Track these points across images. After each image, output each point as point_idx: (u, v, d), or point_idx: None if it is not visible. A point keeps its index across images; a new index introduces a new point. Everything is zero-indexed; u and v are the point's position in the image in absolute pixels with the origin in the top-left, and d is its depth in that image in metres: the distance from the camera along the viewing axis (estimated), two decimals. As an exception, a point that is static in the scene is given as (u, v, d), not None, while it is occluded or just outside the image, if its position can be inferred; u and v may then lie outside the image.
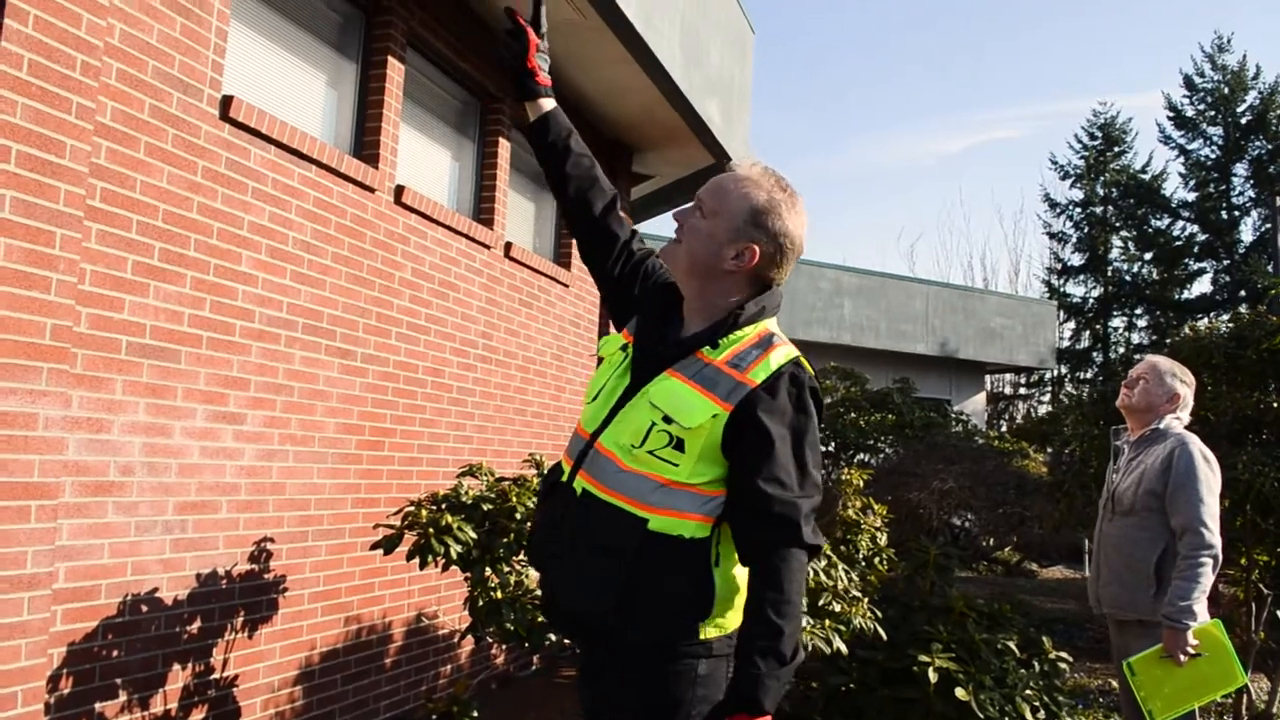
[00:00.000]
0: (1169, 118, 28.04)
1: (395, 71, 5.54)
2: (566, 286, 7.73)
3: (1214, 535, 3.77)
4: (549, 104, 2.57)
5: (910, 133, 56.56)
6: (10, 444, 3.29)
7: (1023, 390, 28.37)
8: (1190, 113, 27.82)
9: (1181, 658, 3.69)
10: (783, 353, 2.16)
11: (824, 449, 13.17)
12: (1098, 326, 28.57)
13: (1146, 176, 28.45)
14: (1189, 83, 27.97)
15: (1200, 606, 3.72)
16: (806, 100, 58.77)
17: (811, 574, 4.54)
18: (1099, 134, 29.54)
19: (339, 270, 5.07)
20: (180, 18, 4.13)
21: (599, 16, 6.22)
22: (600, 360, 2.41)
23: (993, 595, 10.58)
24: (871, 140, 57.43)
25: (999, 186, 54.83)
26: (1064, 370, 27.97)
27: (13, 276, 3.31)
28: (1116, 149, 29.27)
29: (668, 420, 2.10)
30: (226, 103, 4.33)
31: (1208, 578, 3.73)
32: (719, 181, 2.25)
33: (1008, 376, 27.46)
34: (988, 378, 23.09)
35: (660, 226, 46.99)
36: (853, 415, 13.13)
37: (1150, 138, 57.53)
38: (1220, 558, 3.78)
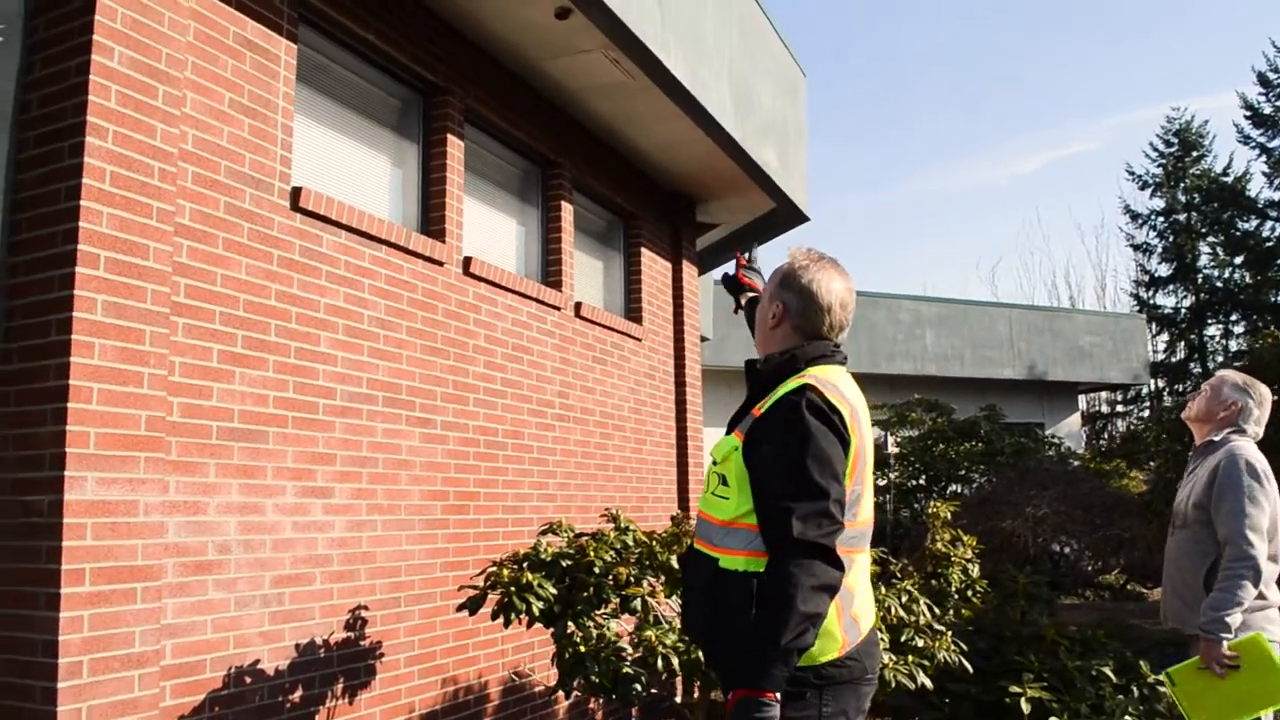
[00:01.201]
0: (1246, 116, 27.39)
1: (455, 148, 5.77)
2: (639, 340, 7.86)
3: (1255, 547, 3.67)
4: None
5: (985, 157, 56.00)
6: (115, 531, 3.50)
7: (1120, 407, 27.65)
8: (1268, 109, 27.13)
9: (1218, 669, 3.61)
10: (791, 383, 2.38)
11: (915, 482, 13.04)
12: (1192, 337, 27.78)
13: (1229, 179, 27.74)
14: (1263, 79, 27.31)
15: (1235, 618, 3.63)
16: (879, 132, 58.67)
17: (892, 609, 4.54)
18: (1175, 140, 28.94)
19: (414, 343, 5.27)
20: (248, 119, 4.39)
21: (646, 77, 6.39)
22: None
23: (1098, 621, 10.31)
24: (947, 168, 56.99)
25: (1077, 202, 53.86)
26: (1161, 384, 27.21)
27: (109, 374, 3.54)
28: (1195, 153, 28.63)
29: (715, 463, 2.46)
30: (296, 194, 4.57)
31: (1247, 590, 3.63)
32: (771, 273, 2.67)
33: (1103, 394, 26.80)
34: (1081, 398, 22.59)
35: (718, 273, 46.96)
36: (941, 446, 13.00)
37: (1229, 139, 55.98)
38: (1261, 570, 3.67)
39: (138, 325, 3.67)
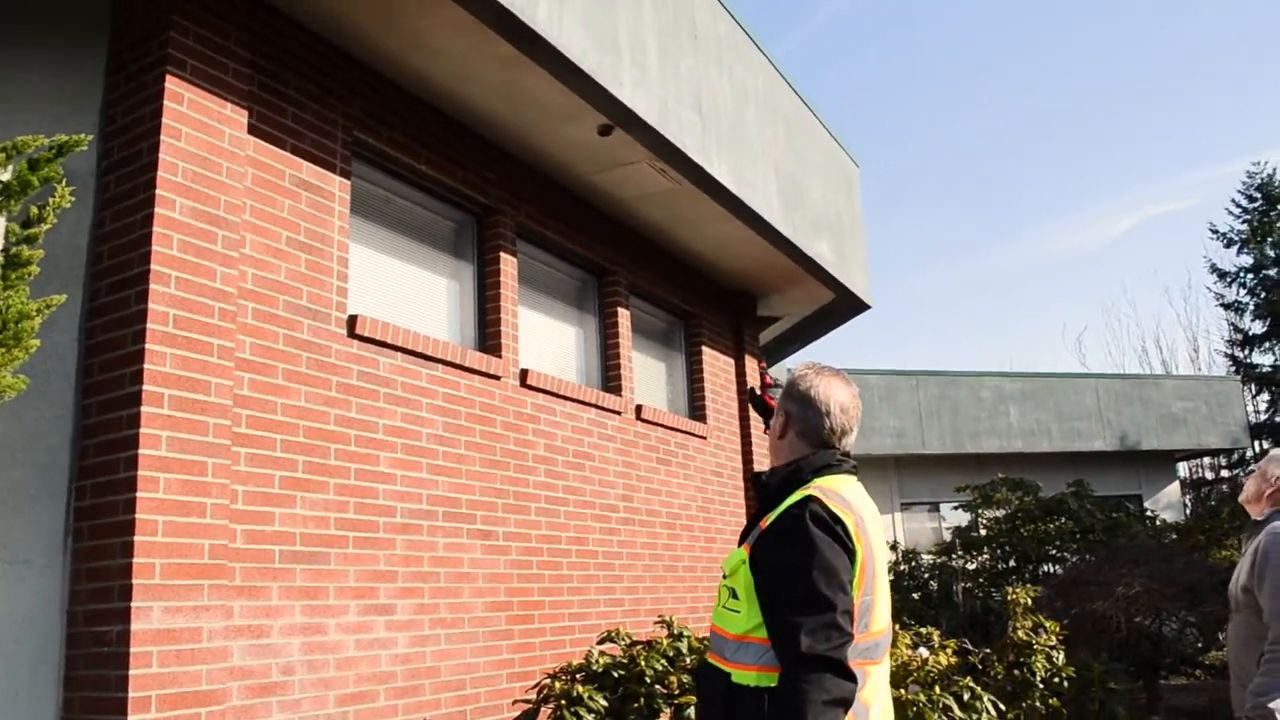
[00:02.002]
0: (1332, 168, 26.61)
1: (508, 265, 5.98)
2: (704, 439, 7.92)
3: None
4: None
5: (1067, 225, 55.29)
6: (179, 657, 3.65)
7: (1224, 473, 26.59)
8: (1355, 160, 26.36)
9: None
10: (796, 495, 2.42)
11: (1003, 565, 12.71)
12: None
13: (1319, 231, 26.91)
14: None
15: (1278, 704, 3.47)
16: (961, 205, 58.45)
17: (954, 705, 4.45)
18: (1258, 194, 28.23)
19: (473, 457, 5.41)
20: (304, 254, 4.63)
21: (691, 184, 6.57)
22: None
23: (1206, 703, 9.86)
24: (1028, 238, 56.38)
25: (1162, 264, 52.66)
26: (1265, 446, 26.13)
27: (173, 506, 3.73)
28: (1280, 207, 27.87)
29: (724, 576, 2.49)
30: (352, 321, 4.79)
31: None
32: None
33: (1206, 460, 25.83)
34: (1180, 465, 21.82)
35: (795, 361, 46.86)
36: (1031, 526, 12.68)
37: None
38: None
39: (200, 458, 3.87)
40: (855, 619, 2.31)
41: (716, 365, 8.40)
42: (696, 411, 8.10)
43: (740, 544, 2.53)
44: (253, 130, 4.47)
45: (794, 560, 2.30)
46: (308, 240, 4.67)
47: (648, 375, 7.71)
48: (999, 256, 56.89)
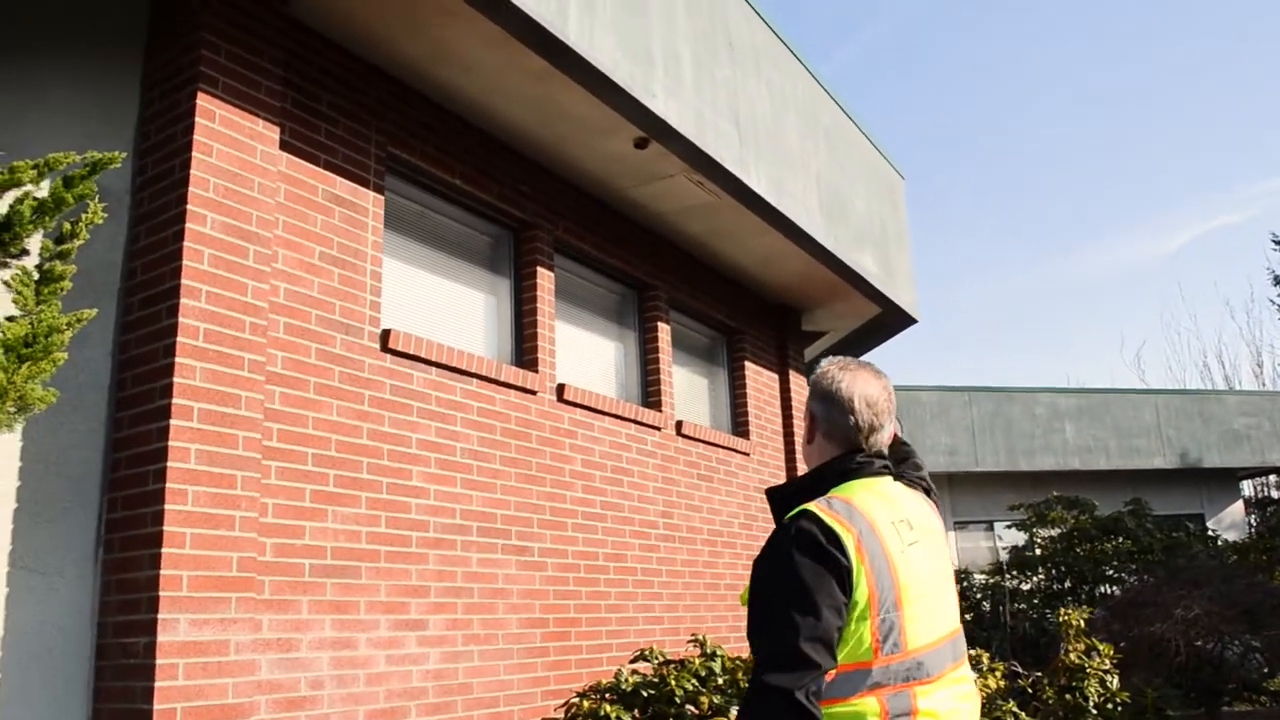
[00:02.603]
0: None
1: (545, 279, 5.96)
2: (747, 455, 7.82)
3: None
4: None
5: (1125, 237, 54.32)
6: (206, 670, 3.64)
7: (1293, 493, 25.82)
8: None
9: None
10: (794, 511, 2.24)
11: (1059, 586, 12.42)
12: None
13: (1389, 243, 26.14)
14: None
15: None
16: (1016, 218, 57.69)
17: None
18: (1325, 208, 27.54)
19: (508, 472, 5.38)
20: (337, 269, 4.65)
21: (730, 196, 6.51)
22: None
23: (1271, 731, 9.51)
24: (1087, 253, 55.46)
25: (1223, 277, 51.48)
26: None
27: (200, 519, 3.74)
28: (1349, 220, 27.14)
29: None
30: (386, 336, 4.79)
31: None
32: None
33: (1272, 478, 25.11)
34: (1245, 483, 21.22)
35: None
36: (1086, 546, 12.39)
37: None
38: None
39: (229, 471, 3.88)
40: (876, 643, 2.14)
41: (760, 381, 8.31)
42: (739, 428, 8.01)
43: None
44: (285, 146, 4.50)
45: (769, 580, 2.15)
46: (341, 255, 4.68)
47: (689, 391, 7.65)
48: (1054, 270, 56.05)
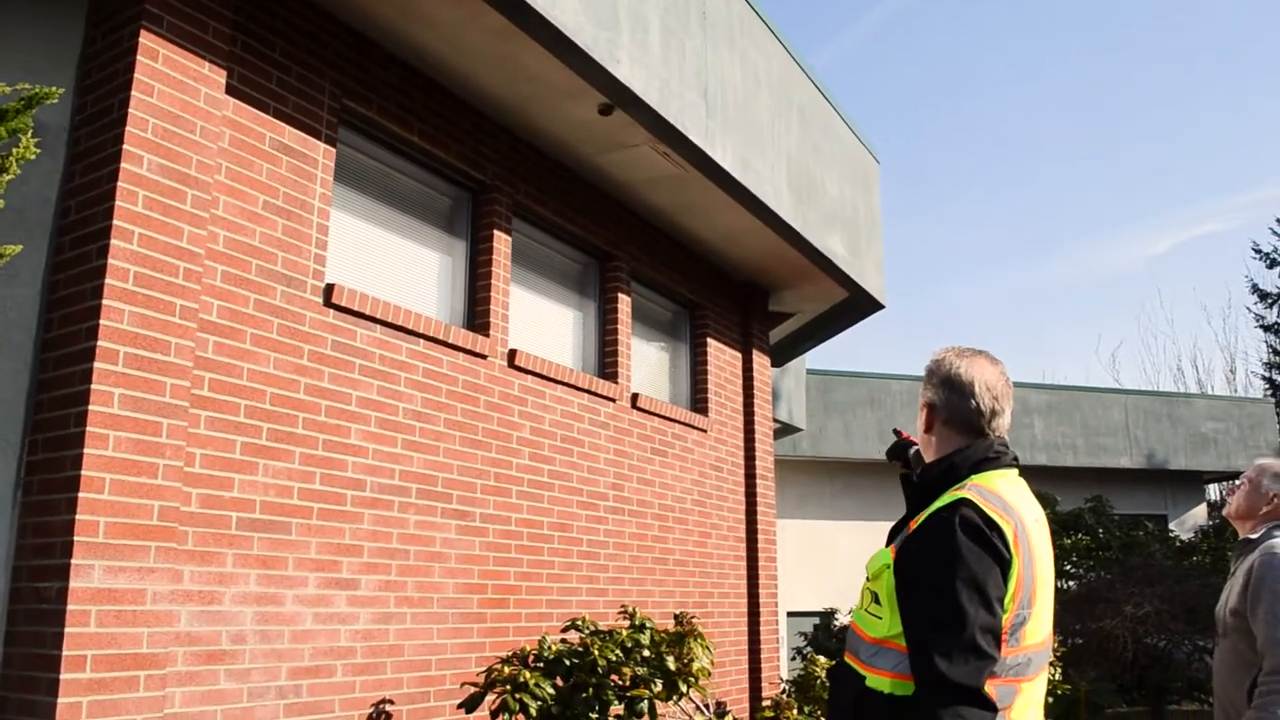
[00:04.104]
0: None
1: (502, 243, 5.88)
2: (704, 432, 7.78)
3: None
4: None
5: (1111, 240, 54.45)
6: (119, 618, 3.58)
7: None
8: None
9: None
10: (948, 496, 2.22)
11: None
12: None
13: (1366, 256, 26.22)
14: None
15: None
16: (1004, 217, 57.74)
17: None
18: (1306, 218, 27.61)
19: (452, 435, 5.32)
20: (282, 220, 4.56)
21: (696, 169, 6.44)
22: None
23: (1214, 730, 9.57)
24: (1074, 253, 55.59)
25: (1201, 283, 51.70)
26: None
27: (121, 465, 3.66)
28: (1326, 229, 27.19)
29: (868, 578, 2.31)
30: (329, 290, 4.71)
31: None
32: None
33: (1237, 482, 25.27)
34: (1210, 487, 21.37)
35: (817, 361, 46.31)
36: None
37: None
38: None
39: (155, 418, 3.80)
40: (1005, 635, 2.12)
41: (722, 358, 8.26)
42: (698, 404, 7.96)
43: (888, 544, 2.34)
44: (232, 91, 4.41)
45: (937, 570, 2.11)
46: (286, 205, 4.60)
47: (650, 364, 7.59)
48: (1042, 267, 56.21)
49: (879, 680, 2.16)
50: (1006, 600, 2.11)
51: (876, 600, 2.22)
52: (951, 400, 2.35)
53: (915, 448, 2.91)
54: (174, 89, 4.06)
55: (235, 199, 4.37)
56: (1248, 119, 52.45)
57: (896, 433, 3.06)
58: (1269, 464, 3.82)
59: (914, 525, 2.24)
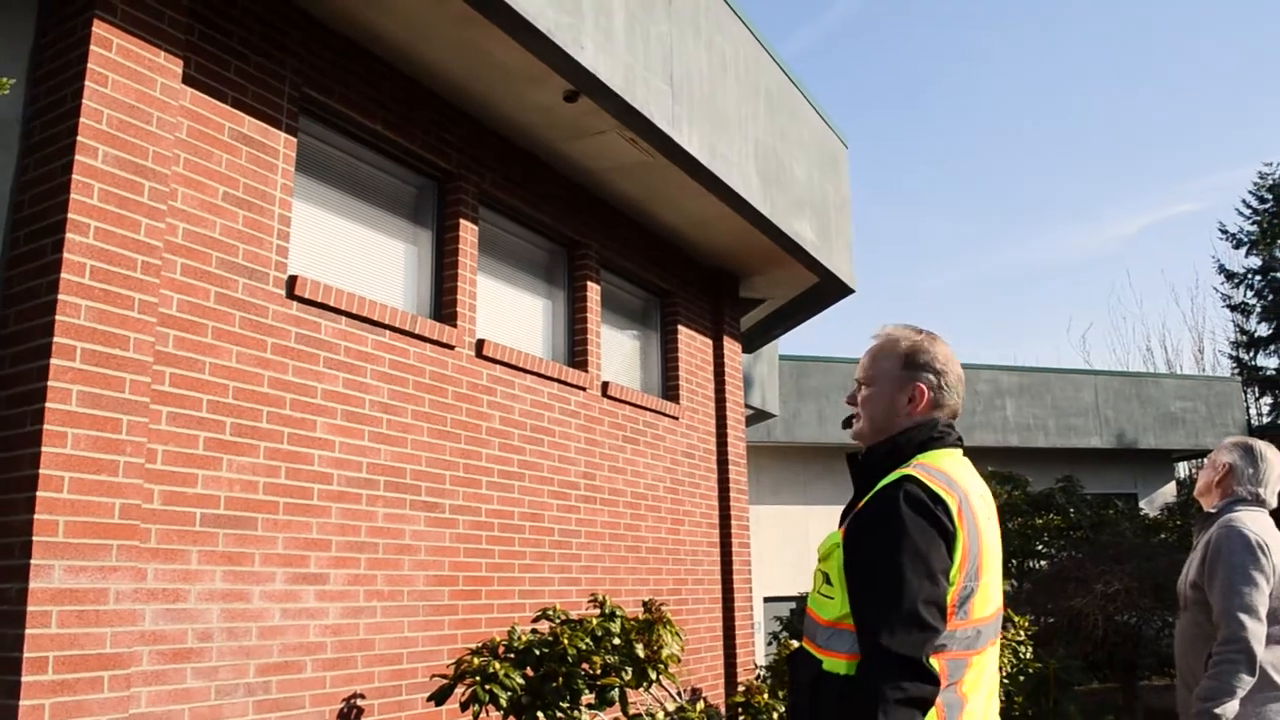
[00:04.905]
0: (1344, 169, 26.29)
1: (468, 232, 5.83)
2: (675, 419, 7.77)
3: (1247, 629, 3.34)
4: None
5: (1085, 223, 54.83)
6: (82, 618, 3.52)
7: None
8: (1368, 162, 26.04)
9: None
10: (894, 475, 2.22)
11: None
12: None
13: (1330, 234, 26.61)
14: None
15: (1229, 708, 3.29)
16: (978, 203, 58.02)
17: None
18: (1269, 196, 27.95)
19: (420, 426, 5.27)
20: (243, 210, 4.49)
21: (664, 156, 6.41)
22: None
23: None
24: (1047, 234, 55.94)
25: (1173, 264, 52.21)
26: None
27: (81, 463, 3.60)
28: (1292, 210, 27.56)
29: (819, 560, 2.31)
30: (292, 282, 4.65)
31: (1240, 678, 3.31)
32: (868, 353, 2.48)
33: (1205, 460, 25.58)
34: (1179, 465, 21.60)
35: (790, 346, 46.42)
36: (1018, 521, 12.52)
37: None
38: (1255, 655, 3.32)
39: (114, 415, 3.74)
40: (952, 609, 2.13)
41: (693, 345, 8.25)
42: (670, 391, 7.95)
43: (840, 526, 2.35)
44: (189, 80, 4.33)
45: (880, 544, 2.12)
46: (247, 196, 4.53)
47: (621, 352, 7.57)
48: (1013, 253, 56.56)
49: (835, 663, 2.16)
50: (953, 573, 2.13)
51: (828, 581, 2.23)
52: (942, 388, 2.36)
53: None
54: (129, 79, 3.99)
55: (194, 190, 4.30)
56: (1218, 99, 52.93)
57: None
58: (1232, 439, 3.86)
59: (861, 504, 2.25)
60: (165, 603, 3.93)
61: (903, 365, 2.38)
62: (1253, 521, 3.56)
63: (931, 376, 2.36)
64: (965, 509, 2.18)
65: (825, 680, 2.17)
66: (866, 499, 2.23)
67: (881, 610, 2.06)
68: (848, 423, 2.81)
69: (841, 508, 2.44)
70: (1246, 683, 3.32)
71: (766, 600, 14.40)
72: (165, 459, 4.01)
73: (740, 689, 5.92)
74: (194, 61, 4.37)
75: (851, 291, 9.25)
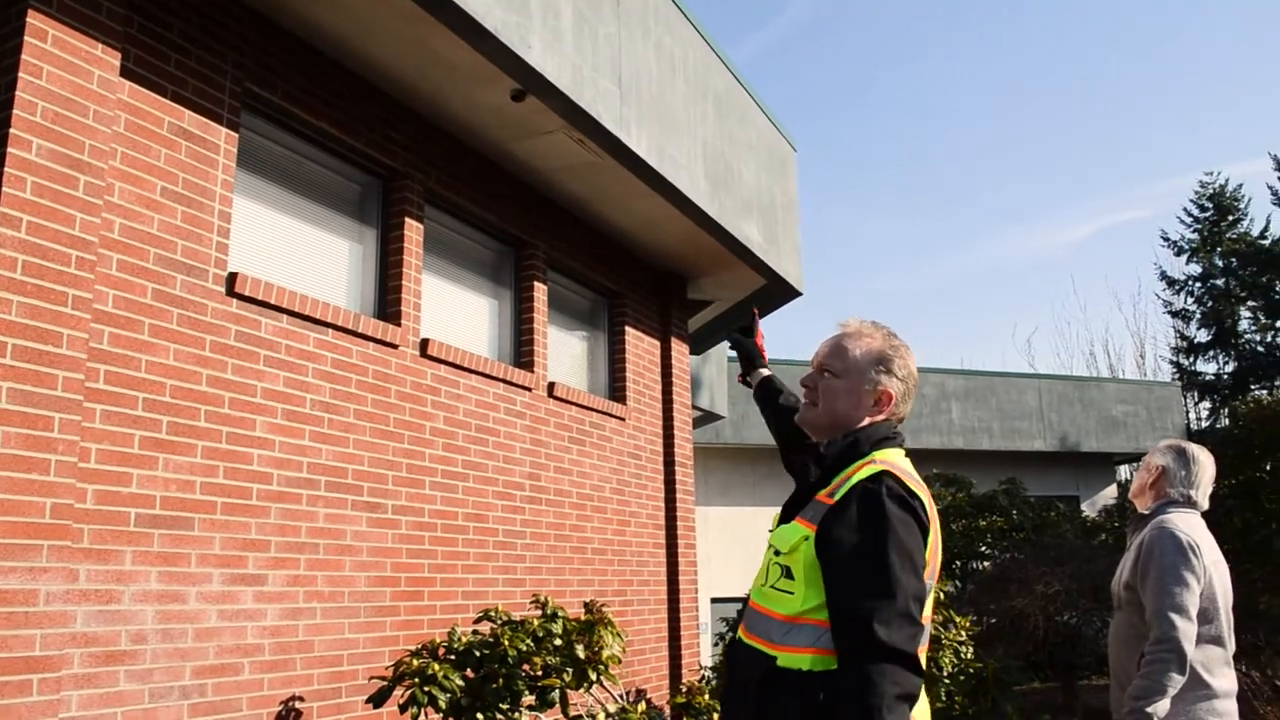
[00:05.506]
0: (1281, 179, 26.95)
1: (414, 231, 5.79)
2: (622, 420, 7.78)
3: (1178, 629, 3.41)
4: (766, 372, 3.27)
5: (1033, 228, 55.65)
6: (10, 620, 3.45)
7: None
8: (1304, 173, 26.70)
9: None
10: (867, 470, 2.23)
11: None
12: (1238, 403, 27.04)
13: (1266, 242, 27.20)
14: (1298, 144, 26.94)
15: (1160, 707, 3.37)
16: (929, 202, 58.67)
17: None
18: (1209, 205, 28.54)
19: (363, 426, 5.23)
20: (181, 206, 4.43)
21: (611, 157, 6.41)
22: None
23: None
24: (999, 238, 56.70)
25: (1114, 270, 53.19)
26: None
27: (11, 461, 3.53)
28: (1230, 217, 28.16)
29: (778, 553, 2.28)
30: (232, 279, 4.59)
31: (1170, 677, 3.39)
32: (838, 343, 2.47)
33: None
34: (1121, 468, 22.01)
35: (727, 348, 46.62)
36: (962, 522, 12.68)
37: (1264, 202, 54.82)
38: (1185, 654, 3.40)
39: (46, 412, 3.67)
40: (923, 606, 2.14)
41: (641, 346, 8.26)
42: (616, 392, 7.95)
43: (786, 518, 2.34)
44: (127, 73, 4.26)
45: (869, 540, 2.11)
46: (186, 192, 4.47)
47: (568, 353, 7.56)
48: (962, 258, 57.28)
49: (795, 658, 2.15)
50: (925, 570, 2.15)
51: (788, 575, 2.21)
52: (905, 396, 2.41)
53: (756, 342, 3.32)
54: (65, 71, 3.92)
55: (132, 185, 4.24)
56: (1165, 106, 54.02)
57: (755, 314, 3.38)
58: (1165, 442, 3.94)
59: (830, 498, 2.23)
60: (98, 604, 3.87)
61: (876, 366, 2.40)
62: (1185, 523, 3.64)
63: (899, 383, 2.40)
64: (931, 506, 2.23)
65: (781, 677, 2.15)
66: (841, 492, 2.21)
67: (876, 605, 2.05)
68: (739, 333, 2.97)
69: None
70: (1177, 681, 3.39)
71: (714, 601, 14.45)
72: (99, 458, 3.94)
73: (683, 689, 5.95)
74: (133, 54, 4.30)
75: (799, 294, 9.32)
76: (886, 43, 58.78)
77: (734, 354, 14.40)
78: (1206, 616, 3.52)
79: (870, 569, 2.09)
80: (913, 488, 2.19)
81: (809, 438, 2.70)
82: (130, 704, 3.94)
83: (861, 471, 2.23)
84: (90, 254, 3.92)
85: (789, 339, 55.69)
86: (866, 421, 2.37)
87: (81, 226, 3.90)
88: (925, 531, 2.16)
